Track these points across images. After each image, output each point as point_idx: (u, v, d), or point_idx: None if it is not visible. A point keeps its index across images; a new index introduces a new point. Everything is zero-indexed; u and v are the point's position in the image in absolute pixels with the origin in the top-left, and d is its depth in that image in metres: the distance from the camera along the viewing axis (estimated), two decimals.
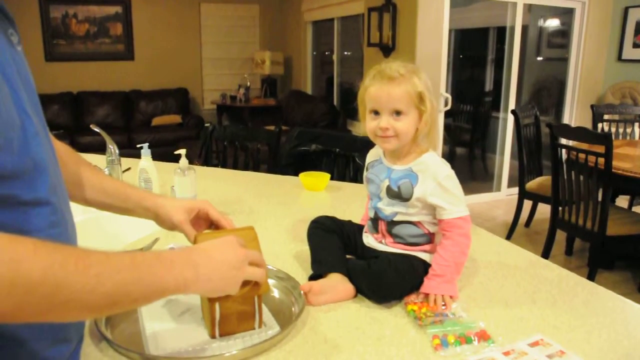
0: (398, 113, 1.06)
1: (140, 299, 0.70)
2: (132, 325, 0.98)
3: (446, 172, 1.07)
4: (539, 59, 5.62)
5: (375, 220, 1.15)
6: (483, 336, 0.92)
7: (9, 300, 0.53)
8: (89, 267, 0.60)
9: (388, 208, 1.11)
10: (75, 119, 6.20)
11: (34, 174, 0.67)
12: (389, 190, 1.10)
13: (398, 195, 1.09)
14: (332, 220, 1.22)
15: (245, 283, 0.85)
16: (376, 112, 1.08)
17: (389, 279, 1.04)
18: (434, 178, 1.06)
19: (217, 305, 0.88)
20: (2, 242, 0.54)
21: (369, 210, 1.18)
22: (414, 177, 1.08)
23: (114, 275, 0.63)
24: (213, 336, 0.91)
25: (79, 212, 1.33)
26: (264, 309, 0.96)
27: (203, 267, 0.77)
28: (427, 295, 1.05)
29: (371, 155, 1.21)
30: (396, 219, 1.11)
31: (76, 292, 0.58)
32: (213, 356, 0.86)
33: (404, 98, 1.05)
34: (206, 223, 1.08)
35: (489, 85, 5.93)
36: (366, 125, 1.11)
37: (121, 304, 0.66)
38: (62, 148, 0.94)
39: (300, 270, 1.19)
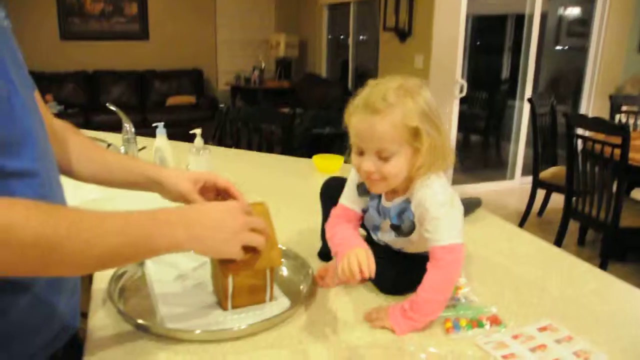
0: (385, 155, 0.88)
1: (131, 259, 0.76)
2: (144, 300, 1.00)
3: (440, 199, 0.91)
4: (558, 47, 5.55)
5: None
6: (495, 321, 0.92)
7: (6, 260, 0.58)
8: (80, 231, 0.64)
9: (391, 241, 1.02)
10: (90, 98, 6.23)
11: (22, 145, 0.69)
12: (392, 227, 0.99)
13: (401, 231, 0.98)
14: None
15: (247, 250, 0.86)
16: (360, 149, 0.91)
17: (394, 274, 1.01)
18: (426, 209, 0.91)
19: (230, 279, 0.89)
20: None
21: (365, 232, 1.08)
22: (410, 210, 0.95)
23: (106, 238, 0.67)
24: (225, 309, 0.93)
25: (91, 190, 1.33)
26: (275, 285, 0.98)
27: (198, 227, 0.78)
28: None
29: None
30: (403, 250, 1.03)
31: (68, 255, 0.63)
32: (226, 329, 0.88)
33: (391, 136, 0.86)
34: (213, 194, 1.03)
35: (505, 73, 5.87)
36: (352, 159, 0.94)
37: (113, 264, 0.73)
38: (60, 125, 0.95)
39: (311, 250, 1.20)
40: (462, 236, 0.92)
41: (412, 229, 0.96)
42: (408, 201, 0.95)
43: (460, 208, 0.97)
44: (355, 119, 0.89)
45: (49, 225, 0.61)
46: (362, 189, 1.01)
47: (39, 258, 0.60)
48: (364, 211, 1.04)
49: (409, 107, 0.85)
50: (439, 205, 0.90)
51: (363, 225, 1.08)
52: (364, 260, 0.87)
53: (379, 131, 0.86)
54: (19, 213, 0.58)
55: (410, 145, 0.87)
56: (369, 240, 1.07)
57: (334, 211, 1.05)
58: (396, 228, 0.97)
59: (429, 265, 0.91)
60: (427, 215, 0.91)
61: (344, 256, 0.89)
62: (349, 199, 1.05)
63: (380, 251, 1.00)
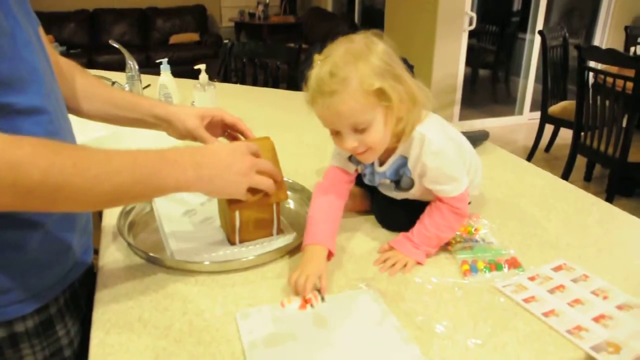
0: (361, 127, 0.83)
1: (139, 197, 0.76)
2: (153, 234, 1.02)
3: (433, 148, 0.88)
4: None
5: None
6: (514, 264, 0.91)
7: (14, 198, 0.58)
8: (88, 169, 0.63)
9: (393, 194, 1.01)
10: (92, 38, 6.11)
11: (28, 82, 0.68)
12: (392, 182, 0.98)
13: (400, 187, 0.97)
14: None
15: (257, 191, 0.86)
16: (335, 131, 0.87)
17: (399, 212, 1.01)
18: (421, 161, 0.90)
19: (237, 213, 0.91)
20: (1, 145, 0.56)
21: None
22: (406, 166, 0.94)
23: (113, 176, 0.66)
24: (233, 243, 0.95)
25: (98, 128, 1.34)
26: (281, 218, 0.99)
27: (206, 168, 0.77)
28: (391, 248, 0.95)
29: None
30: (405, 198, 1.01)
31: (76, 192, 0.62)
32: (233, 260, 0.90)
33: (358, 108, 0.81)
34: (221, 130, 1.04)
35: (517, 5, 5.68)
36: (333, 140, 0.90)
37: (121, 202, 0.75)
38: (66, 63, 0.93)
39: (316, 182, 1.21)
40: (466, 178, 0.94)
41: (410, 185, 0.95)
42: (403, 157, 0.93)
43: (460, 144, 0.98)
44: (317, 107, 0.84)
45: (56, 164, 0.60)
46: (355, 159, 0.97)
47: (46, 195, 0.60)
48: (359, 173, 1.02)
49: (362, 72, 0.79)
50: (435, 156, 0.89)
51: (360, 181, 1.04)
52: (309, 288, 0.82)
53: (344, 110, 0.81)
54: (26, 151, 0.58)
55: (380, 106, 0.83)
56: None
57: (327, 173, 1.01)
58: (396, 183, 0.97)
59: (440, 206, 0.93)
60: (427, 170, 0.90)
61: (299, 270, 0.84)
62: (340, 160, 1.00)
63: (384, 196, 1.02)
